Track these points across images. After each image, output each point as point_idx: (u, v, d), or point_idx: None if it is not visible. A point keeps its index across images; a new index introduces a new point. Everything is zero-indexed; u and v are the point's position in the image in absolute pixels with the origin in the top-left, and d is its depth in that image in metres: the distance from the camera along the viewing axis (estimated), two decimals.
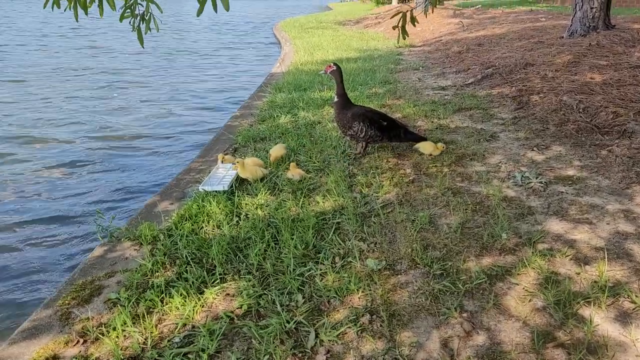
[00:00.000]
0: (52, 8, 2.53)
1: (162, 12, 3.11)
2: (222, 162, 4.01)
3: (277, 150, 4.16)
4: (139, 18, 2.86)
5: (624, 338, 1.99)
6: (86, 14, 2.58)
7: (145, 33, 2.92)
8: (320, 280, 2.48)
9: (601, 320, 2.09)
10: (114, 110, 8.21)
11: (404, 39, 3.35)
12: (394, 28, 3.33)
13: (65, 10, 2.62)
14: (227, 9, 2.08)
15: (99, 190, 5.00)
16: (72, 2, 2.45)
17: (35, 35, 18.73)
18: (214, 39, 20.30)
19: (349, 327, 2.14)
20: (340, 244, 2.82)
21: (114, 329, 2.19)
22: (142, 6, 2.87)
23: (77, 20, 2.67)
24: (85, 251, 3.70)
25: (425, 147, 4.07)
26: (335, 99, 4.06)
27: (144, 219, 3.36)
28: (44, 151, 6.10)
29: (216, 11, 2.11)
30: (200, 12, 2.12)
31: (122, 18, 2.85)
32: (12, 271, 3.59)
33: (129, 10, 2.78)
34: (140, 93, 9.60)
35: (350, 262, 2.64)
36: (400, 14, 3.30)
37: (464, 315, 2.19)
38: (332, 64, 4.06)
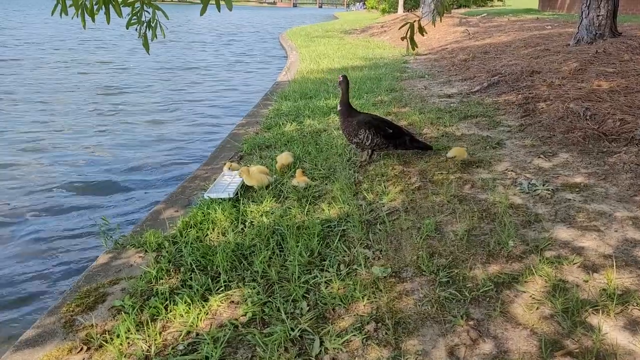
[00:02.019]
0: (60, 15, 2.55)
1: (168, 19, 3.12)
2: (229, 169, 4.02)
3: (283, 158, 4.16)
4: (145, 25, 2.88)
5: (633, 347, 1.96)
6: (93, 21, 2.60)
7: (152, 40, 2.93)
8: (325, 288, 2.47)
9: (610, 329, 2.06)
10: (118, 120, 8.26)
11: (413, 49, 3.35)
12: (402, 39, 3.32)
13: (72, 18, 2.64)
14: (230, 9, 2.09)
15: (104, 198, 5.02)
16: (80, 9, 2.47)
17: (41, 45, 18.94)
18: (219, 50, 20.43)
19: (354, 335, 2.12)
20: (345, 251, 2.81)
21: (118, 336, 2.18)
22: (149, 13, 2.88)
23: (84, 28, 2.69)
24: (90, 258, 3.71)
25: (454, 150, 4.07)
26: (339, 107, 4.08)
27: (149, 226, 3.36)
28: (49, 159, 6.13)
29: (219, 11, 2.13)
30: (203, 11, 2.13)
31: (128, 25, 2.87)
32: (16, 278, 3.60)
33: (135, 17, 2.79)
34: (145, 102, 9.66)
35: (356, 269, 2.62)
36: (408, 25, 3.30)
37: (471, 323, 2.16)
38: (341, 76, 4.11)
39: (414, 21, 3.27)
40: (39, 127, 7.61)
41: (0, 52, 16.06)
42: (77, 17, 2.55)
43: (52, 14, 2.61)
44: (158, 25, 2.89)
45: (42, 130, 7.40)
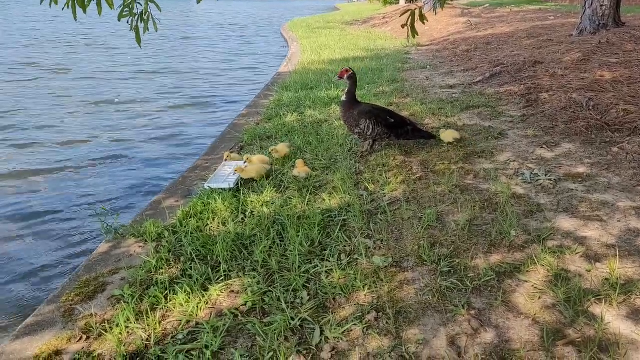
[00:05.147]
0: (50, 5, 2.50)
1: (161, 12, 3.08)
2: (227, 159, 4.00)
3: (281, 149, 4.13)
4: (137, 17, 2.83)
5: (636, 336, 1.94)
6: (85, 12, 2.55)
7: (144, 33, 2.88)
8: (326, 278, 2.45)
9: (612, 318, 2.04)
10: (119, 111, 8.23)
11: (414, 37, 3.31)
12: (403, 26, 3.29)
13: (63, 9, 2.59)
14: None
15: (105, 188, 5.00)
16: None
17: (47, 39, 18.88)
18: (218, 43, 20.34)
19: (355, 324, 2.11)
20: (346, 241, 2.79)
21: (117, 325, 2.17)
22: (141, 5, 2.84)
23: (75, 20, 2.64)
24: (90, 248, 3.69)
25: (447, 135, 4.16)
26: (343, 98, 4.04)
27: (149, 216, 3.35)
28: (50, 149, 6.12)
29: None
30: None
31: (120, 17, 2.81)
32: (16, 267, 3.59)
33: (127, 9, 2.74)
34: (146, 93, 9.62)
35: (357, 259, 2.60)
36: (409, 12, 3.26)
37: (472, 312, 2.15)
38: (348, 68, 4.00)
39: (415, 9, 3.24)
40: (39, 116, 7.59)
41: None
42: (68, 8, 2.50)
43: (41, 2, 2.57)
44: (150, 17, 2.85)
45: (41, 121, 7.38)
